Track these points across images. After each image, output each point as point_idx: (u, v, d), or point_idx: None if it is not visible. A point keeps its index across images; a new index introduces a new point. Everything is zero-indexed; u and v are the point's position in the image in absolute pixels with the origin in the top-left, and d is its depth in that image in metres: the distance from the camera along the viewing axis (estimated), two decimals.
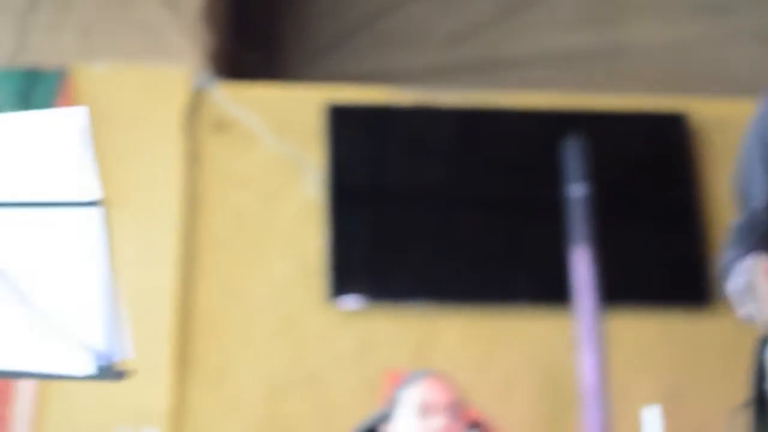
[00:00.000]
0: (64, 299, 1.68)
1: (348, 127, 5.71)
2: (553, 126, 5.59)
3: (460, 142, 5.73)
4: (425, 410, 3.21)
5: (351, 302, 5.50)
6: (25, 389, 5.23)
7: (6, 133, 1.68)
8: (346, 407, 5.32)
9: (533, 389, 5.44)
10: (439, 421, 3.19)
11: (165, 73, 5.65)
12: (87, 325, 1.67)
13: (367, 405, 5.08)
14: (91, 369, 1.67)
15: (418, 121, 5.81)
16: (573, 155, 4.54)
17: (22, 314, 1.69)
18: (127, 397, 5.20)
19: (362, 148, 5.72)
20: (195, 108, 5.71)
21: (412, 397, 3.24)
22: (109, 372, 1.66)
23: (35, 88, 5.59)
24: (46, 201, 1.66)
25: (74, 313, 1.68)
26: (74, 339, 1.67)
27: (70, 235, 1.67)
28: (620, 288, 5.08)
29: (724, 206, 5.36)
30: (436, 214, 5.64)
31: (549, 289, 5.51)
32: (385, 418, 3.37)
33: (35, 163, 1.67)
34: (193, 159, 5.67)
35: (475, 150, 5.71)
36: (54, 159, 1.66)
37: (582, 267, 4.47)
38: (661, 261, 5.65)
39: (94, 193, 1.66)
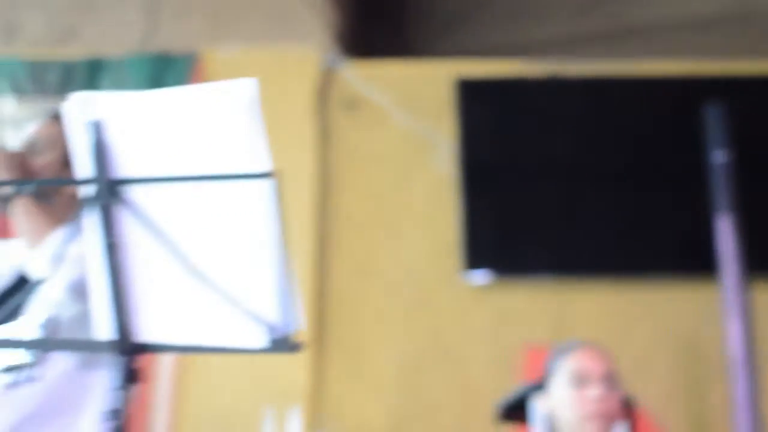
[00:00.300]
0: (237, 272, 1.68)
1: (478, 101, 5.67)
2: (688, 93, 5.48)
3: (593, 112, 5.66)
4: (581, 380, 3.16)
5: (485, 277, 5.47)
6: (164, 369, 5.31)
7: (175, 107, 1.69)
8: (484, 382, 5.30)
9: (672, 361, 5.36)
10: (594, 391, 3.13)
11: (294, 54, 5.66)
12: (261, 297, 1.67)
13: (504, 380, 5.07)
14: (265, 342, 1.67)
15: (550, 92, 5.74)
16: (714, 121, 4.44)
17: (196, 288, 1.70)
18: (265, 376, 5.24)
19: (493, 122, 5.67)
20: (325, 87, 5.73)
21: (567, 366, 3.19)
22: (284, 344, 1.66)
23: (166, 73, 5.65)
24: (219, 174, 1.66)
25: (248, 285, 1.67)
26: (248, 312, 1.66)
27: (242, 208, 1.66)
28: (765, 257, 4.97)
29: None
30: (570, 186, 5.57)
31: (686, 259, 5.43)
32: (536, 389, 3.33)
33: (206, 137, 1.67)
34: (325, 138, 5.69)
35: (609, 120, 5.62)
36: (224, 131, 1.66)
37: (726, 235, 4.37)
38: None
39: (266, 164, 1.66)
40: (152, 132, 1.70)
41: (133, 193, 1.72)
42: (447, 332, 5.46)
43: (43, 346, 1.98)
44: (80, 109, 1.72)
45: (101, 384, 2.70)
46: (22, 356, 2.01)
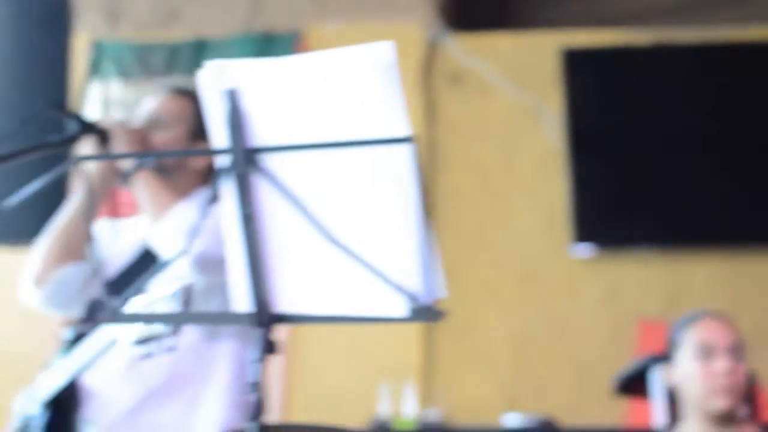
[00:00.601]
0: (377, 240, 1.65)
1: (585, 72, 5.60)
2: None
3: (700, 79, 5.56)
4: (707, 352, 3.07)
5: (593, 250, 5.41)
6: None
7: (312, 72, 1.67)
8: (596, 356, 5.26)
9: None
10: (722, 364, 3.04)
11: (398, 29, 5.63)
12: (402, 265, 1.64)
13: (617, 353, 5.03)
14: (405, 310, 1.64)
15: (656, 61, 5.64)
16: None
17: (334, 257, 1.68)
18: (377, 353, 5.25)
19: (600, 92, 5.60)
20: (430, 61, 5.70)
21: (693, 338, 3.10)
22: (425, 313, 1.63)
23: (270, 53, 5.66)
24: (358, 140, 1.64)
25: (388, 253, 1.65)
26: (389, 280, 1.64)
27: (381, 173, 1.64)
28: None
29: None
30: (679, 155, 5.47)
31: None
32: (656, 361, 3.25)
33: (344, 102, 1.65)
34: (431, 112, 5.66)
35: (717, 87, 5.51)
36: (363, 96, 1.63)
37: None
38: None
39: (404, 129, 1.63)
40: (289, 98, 1.68)
41: (270, 161, 1.70)
42: (557, 306, 5.42)
43: (181, 319, 1.98)
44: (215, 77, 1.70)
45: (225, 356, 2.71)
46: (155, 327, 2.01)
